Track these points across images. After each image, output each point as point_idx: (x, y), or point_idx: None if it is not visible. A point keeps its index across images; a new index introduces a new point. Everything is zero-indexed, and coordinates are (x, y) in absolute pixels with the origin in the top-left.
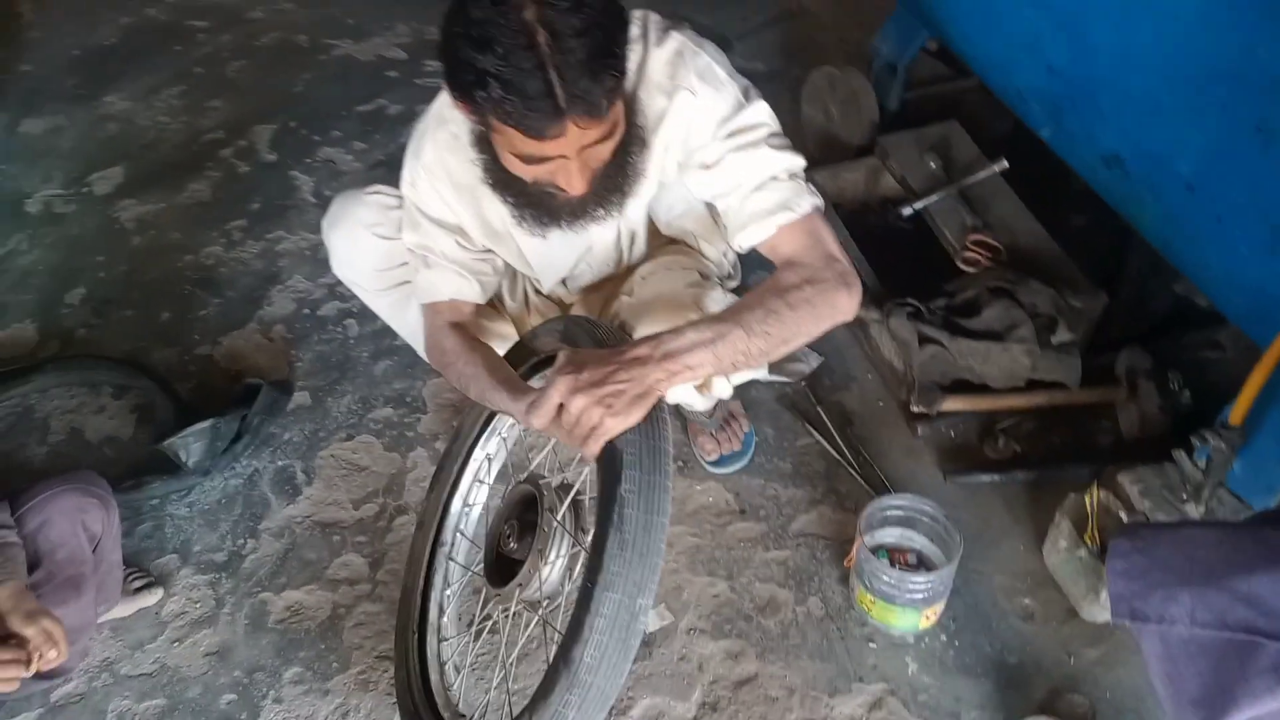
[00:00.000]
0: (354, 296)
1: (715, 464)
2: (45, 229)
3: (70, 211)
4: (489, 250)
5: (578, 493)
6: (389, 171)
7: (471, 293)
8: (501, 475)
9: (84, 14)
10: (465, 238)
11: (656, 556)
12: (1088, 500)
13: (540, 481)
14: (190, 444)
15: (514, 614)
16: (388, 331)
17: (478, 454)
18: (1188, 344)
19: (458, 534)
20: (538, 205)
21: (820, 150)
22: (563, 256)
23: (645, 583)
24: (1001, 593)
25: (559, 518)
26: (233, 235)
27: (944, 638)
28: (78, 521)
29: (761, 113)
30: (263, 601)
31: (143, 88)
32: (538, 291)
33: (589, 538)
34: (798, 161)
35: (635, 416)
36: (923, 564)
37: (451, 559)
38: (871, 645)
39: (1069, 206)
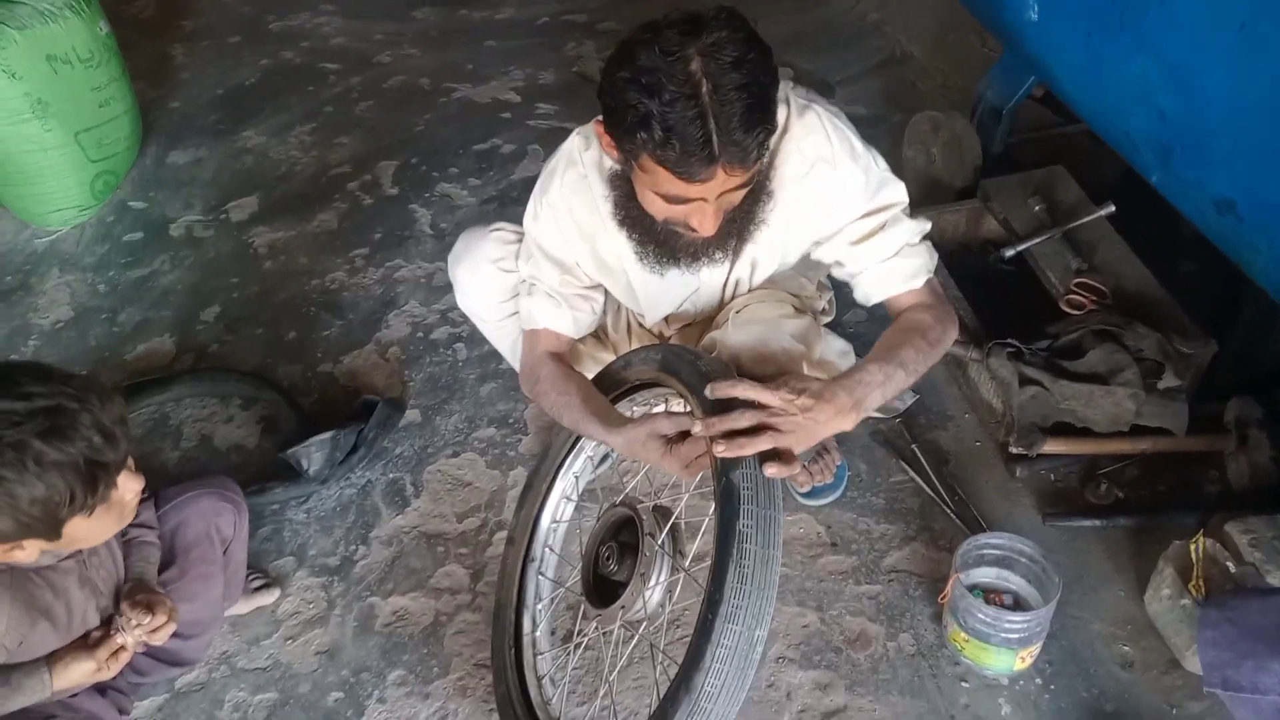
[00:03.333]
0: (464, 322)
1: (808, 495)
2: (185, 251)
3: (208, 236)
4: (596, 286)
5: (676, 518)
6: (501, 206)
7: (565, 324)
8: (588, 494)
9: (228, 56)
10: (573, 273)
11: (773, 589)
12: (1193, 549)
13: (638, 505)
14: (311, 453)
15: (613, 632)
16: (494, 356)
17: (565, 473)
18: None
19: (547, 550)
20: (662, 244)
21: (921, 192)
22: (673, 294)
23: (763, 615)
24: (1100, 639)
25: (660, 542)
26: (355, 262)
27: (1039, 681)
28: (212, 524)
29: (898, 191)
30: (371, 605)
31: (278, 124)
32: (640, 324)
33: (687, 560)
34: (925, 225)
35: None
36: (1019, 605)
37: (542, 574)
38: (964, 684)
39: (1178, 252)
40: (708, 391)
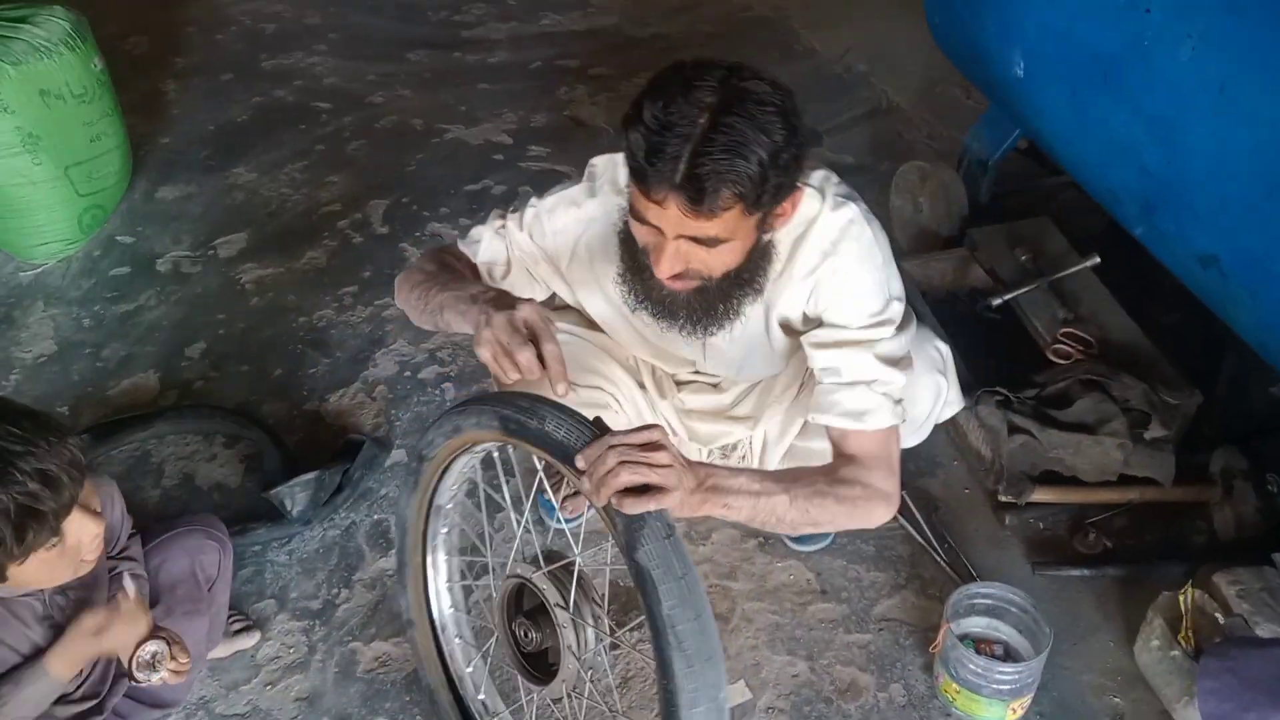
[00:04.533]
0: (452, 360)
1: (798, 541)
2: (172, 287)
3: (196, 272)
4: (555, 299)
5: (578, 573)
6: None
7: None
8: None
9: (220, 93)
10: (544, 269)
11: (718, 650)
12: (1182, 600)
13: (530, 575)
14: (295, 494)
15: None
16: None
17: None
18: None
19: (454, 622)
20: (635, 276)
21: (909, 240)
22: (642, 339)
23: (719, 678)
24: (1090, 690)
25: (570, 608)
26: (344, 300)
27: None
28: (196, 562)
29: (895, 339)
30: (353, 651)
31: (269, 161)
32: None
33: (605, 609)
34: (901, 382)
35: (648, 500)
36: (1009, 656)
37: (460, 638)
38: None
39: (1163, 303)
40: (580, 463)
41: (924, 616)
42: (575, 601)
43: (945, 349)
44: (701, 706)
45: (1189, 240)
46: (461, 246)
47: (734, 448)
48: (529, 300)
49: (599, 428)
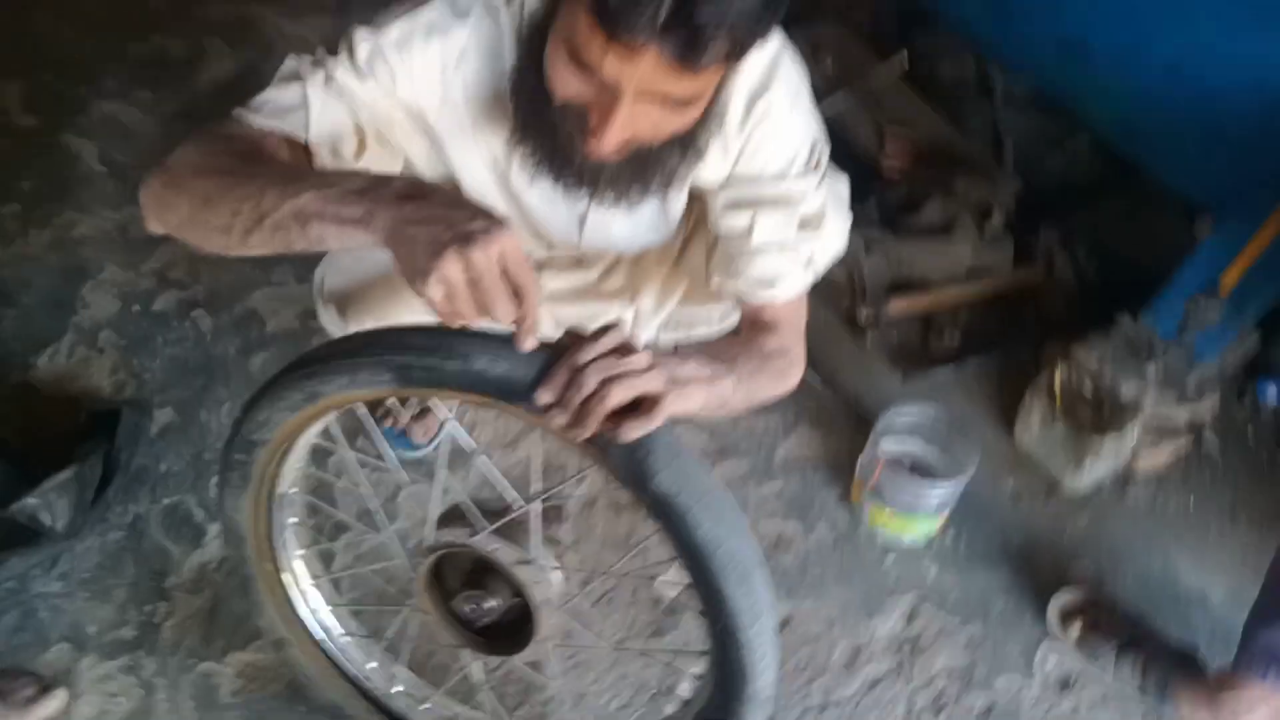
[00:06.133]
0: (195, 283)
1: None
2: None
3: None
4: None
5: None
6: (191, 123)
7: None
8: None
9: None
10: (400, 130)
11: (759, 551)
12: (1057, 378)
13: (470, 541)
14: (52, 502)
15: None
16: (251, 317)
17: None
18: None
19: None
20: (541, 137)
21: None
22: (515, 215)
23: (767, 577)
24: (988, 479)
25: (533, 557)
26: (6, 226)
27: (950, 537)
28: None
29: (823, 166)
30: (204, 674)
31: None
32: None
33: (567, 542)
34: (816, 245)
35: (650, 418)
36: (916, 469)
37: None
38: (890, 558)
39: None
40: (544, 396)
41: (824, 449)
42: (535, 547)
43: (845, 181)
44: (764, 617)
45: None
46: (259, 121)
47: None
48: (497, 220)
49: (570, 339)
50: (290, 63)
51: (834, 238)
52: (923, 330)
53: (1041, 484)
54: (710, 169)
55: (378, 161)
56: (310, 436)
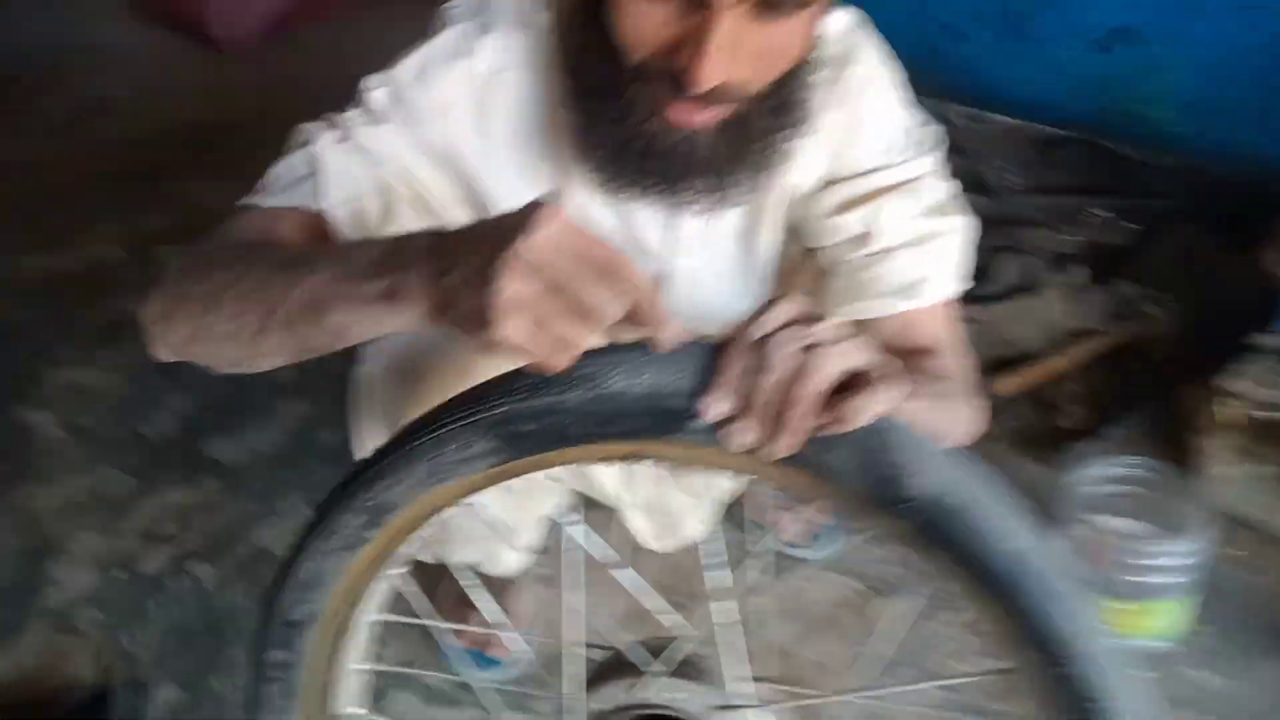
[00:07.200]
0: (186, 531)
1: (813, 547)
2: None
3: None
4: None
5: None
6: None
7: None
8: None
9: None
10: (428, 175)
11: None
12: (1216, 418)
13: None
14: None
15: None
16: (260, 557)
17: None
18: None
19: None
20: (618, 114)
21: None
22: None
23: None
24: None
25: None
26: None
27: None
28: None
29: (932, 140)
30: None
31: None
32: None
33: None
34: (959, 225)
35: (878, 395)
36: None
37: None
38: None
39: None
40: (714, 403)
41: None
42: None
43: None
44: (1104, 634)
45: None
46: (266, 201)
47: None
48: (533, 202)
49: (734, 330)
50: (298, 134)
51: (970, 231)
52: (1035, 407)
53: (1265, 543)
54: (803, 168)
55: (411, 227)
56: (374, 603)
